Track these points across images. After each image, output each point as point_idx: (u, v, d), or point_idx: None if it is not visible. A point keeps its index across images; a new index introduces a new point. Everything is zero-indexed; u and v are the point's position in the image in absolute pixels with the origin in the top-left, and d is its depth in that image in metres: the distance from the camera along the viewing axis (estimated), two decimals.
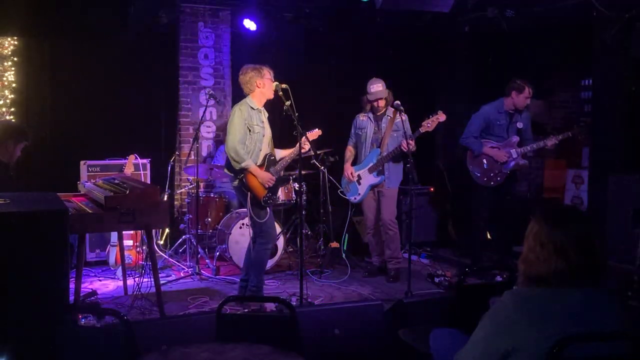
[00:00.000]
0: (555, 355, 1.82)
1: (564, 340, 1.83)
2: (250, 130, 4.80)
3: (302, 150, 4.82)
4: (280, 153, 5.15)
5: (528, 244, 2.06)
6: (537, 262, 1.99)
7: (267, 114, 5.05)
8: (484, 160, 5.78)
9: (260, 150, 4.89)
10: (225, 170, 5.03)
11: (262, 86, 4.86)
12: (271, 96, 4.88)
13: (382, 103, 5.62)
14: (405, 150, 5.34)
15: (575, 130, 5.62)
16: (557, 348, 1.82)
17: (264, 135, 4.90)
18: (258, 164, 4.89)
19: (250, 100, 4.88)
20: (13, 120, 6.23)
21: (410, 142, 5.29)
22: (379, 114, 5.72)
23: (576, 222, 2.01)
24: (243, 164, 4.74)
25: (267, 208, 4.89)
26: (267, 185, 4.83)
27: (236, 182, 4.88)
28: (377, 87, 5.59)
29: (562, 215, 2.06)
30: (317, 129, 5.18)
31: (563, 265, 1.95)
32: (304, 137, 4.83)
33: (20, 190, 4.54)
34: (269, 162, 4.94)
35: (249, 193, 4.83)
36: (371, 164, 5.67)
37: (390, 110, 5.60)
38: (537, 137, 5.86)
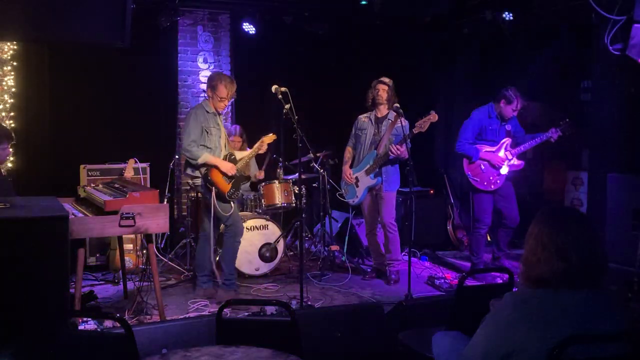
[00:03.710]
0: (555, 356, 1.82)
1: (564, 342, 1.82)
2: (207, 132, 5.08)
3: (260, 152, 5.43)
4: (239, 155, 5.43)
5: (529, 246, 2.05)
6: (539, 264, 1.99)
7: (222, 118, 5.40)
8: (481, 165, 5.79)
9: (221, 150, 5.20)
10: (188, 172, 5.19)
11: (211, 97, 5.16)
12: (219, 109, 5.19)
13: (383, 93, 5.63)
14: (393, 156, 5.41)
15: (563, 126, 5.66)
16: (558, 350, 1.82)
17: (220, 137, 5.18)
18: None
19: (206, 104, 5.20)
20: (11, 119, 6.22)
21: (400, 147, 5.37)
22: (380, 115, 5.73)
23: (577, 224, 2.01)
24: (200, 159, 5.02)
25: (232, 202, 5.15)
26: (229, 174, 5.08)
27: (199, 181, 5.11)
28: (383, 78, 5.70)
29: (563, 216, 2.06)
30: (272, 134, 5.44)
31: (564, 267, 1.95)
32: (261, 142, 5.33)
33: (15, 190, 4.56)
34: (230, 161, 5.21)
35: (213, 188, 5.04)
36: (368, 166, 5.68)
37: (392, 114, 5.61)
38: (533, 134, 5.87)
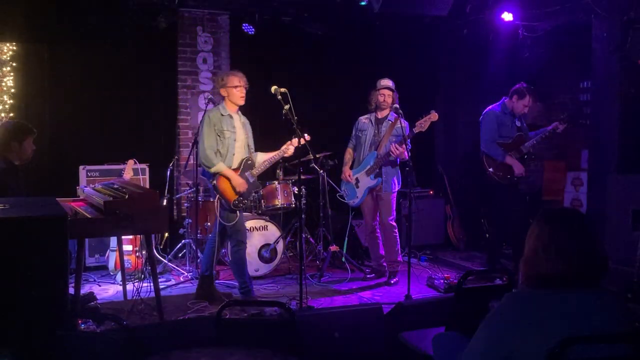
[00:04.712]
0: (555, 357, 1.81)
1: (564, 342, 1.82)
2: (219, 136, 4.94)
3: (286, 155, 5.07)
4: (263, 156, 5.24)
5: (530, 246, 2.05)
6: (539, 264, 1.99)
7: (243, 119, 5.16)
8: (504, 163, 5.83)
9: (234, 154, 5.01)
10: (201, 175, 5.16)
11: (226, 94, 5.00)
12: (239, 102, 5.01)
13: (388, 98, 5.65)
14: (394, 155, 5.39)
15: (564, 118, 5.80)
16: (558, 350, 1.82)
17: (235, 140, 5.01)
18: (233, 167, 5.03)
19: (222, 107, 5.04)
20: (8, 120, 6.21)
21: (400, 147, 5.35)
22: (381, 116, 5.73)
23: (578, 224, 2.01)
24: (213, 168, 4.91)
25: (237, 211, 4.99)
26: (238, 190, 4.93)
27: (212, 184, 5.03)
28: (386, 82, 5.70)
29: (564, 217, 2.06)
30: (305, 135, 5.15)
31: (565, 267, 1.95)
32: (288, 143, 5.07)
33: (28, 193, 4.57)
34: (245, 166, 5.06)
35: (217, 196, 4.95)
36: (368, 167, 5.68)
37: (393, 115, 5.62)
38: (537, 131, 5.97)
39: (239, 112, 5.14)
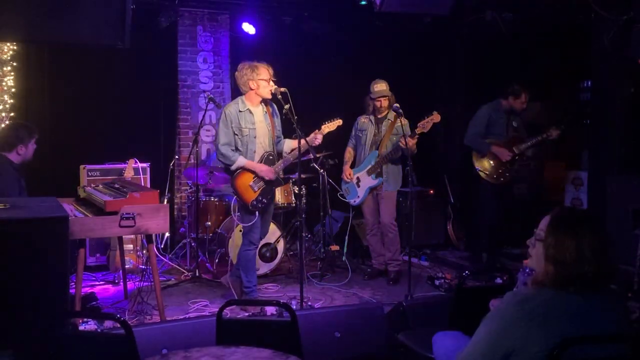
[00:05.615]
0: (555, 356, 1.82)
1: (565, 342, 1.82)
2: (237, 135, 4.75)
3: (315, 144, 4.83)
4: (290, 144, 5.02)
5: (542, 248, 2.02)
6: (550, 266, 1.98)
7: (266, 110, 4.90)
8: (490, 159, 5.85)
9: (255, 151, 4.81)
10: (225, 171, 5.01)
11: (256, 87, 4.76)
12: (267, 96, 4.79)
13: (384, 103, 5.64)
14: (404, 147, 5.33)
15: (563, 123, 5.83)
16: (558, 350, 1.82)
17: (255, 137, 4.80)
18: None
19: (242, 101, 4.80)
20: (13, 120, 6.21)
21: (410, 139, 5.26)
22: (380, 116, 5.74)
23: (594, 228, 1.99)
24: (234, 165, 4.72)
25: (256, 212, 4.81)
26: (267, 178, 4.75)
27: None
28: (380, 87, 5.64)
29: (578, 221, 2.03)
30: (338, 119, 5.04)
31: (578, 271, 1.93)
32: (316, 133, 4.86)
33: (29, 193, 4.59)
34: (266, 162, 4.84)
35: (235, 198, 4.83)
36: (370, 166, 5.68)
37: (392, 114, 5.62)
38: (534, 135, 5.97)
39: (263, 103, 4.88)
